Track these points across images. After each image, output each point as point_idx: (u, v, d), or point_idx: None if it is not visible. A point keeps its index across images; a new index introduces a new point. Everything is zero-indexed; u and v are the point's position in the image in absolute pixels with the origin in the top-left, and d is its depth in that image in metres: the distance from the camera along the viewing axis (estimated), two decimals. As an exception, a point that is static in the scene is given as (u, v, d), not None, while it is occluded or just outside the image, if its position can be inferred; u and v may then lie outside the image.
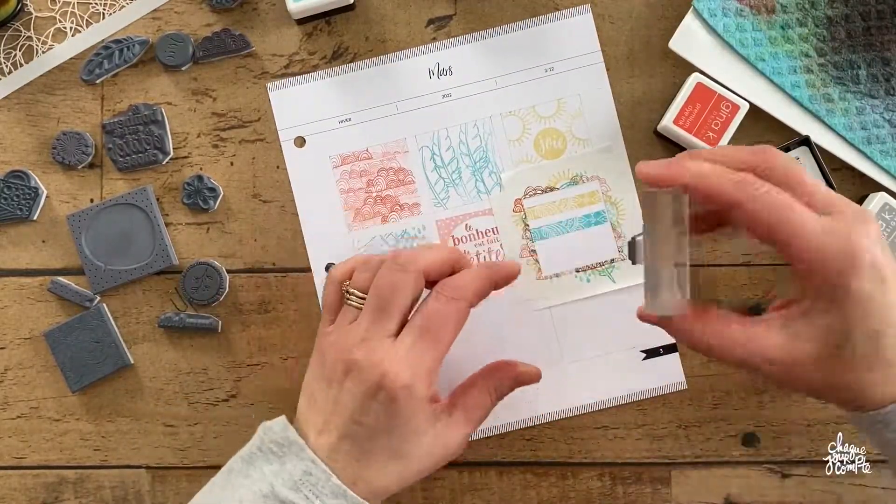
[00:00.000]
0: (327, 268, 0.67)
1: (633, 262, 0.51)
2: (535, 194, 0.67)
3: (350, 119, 0.68)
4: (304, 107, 0.68)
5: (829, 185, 0.63)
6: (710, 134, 0.63)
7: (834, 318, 0.47)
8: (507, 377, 0.61)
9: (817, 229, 0.46)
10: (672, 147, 0.66)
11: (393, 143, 0.68)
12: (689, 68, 0.65)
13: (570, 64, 0.67)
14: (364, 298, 0.57)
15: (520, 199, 0.67)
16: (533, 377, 0.62)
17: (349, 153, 0.68)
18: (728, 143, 0.63)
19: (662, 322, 0.52)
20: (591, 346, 0.67)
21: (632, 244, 0.51)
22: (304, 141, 0.68)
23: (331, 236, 0.67)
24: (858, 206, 0.52)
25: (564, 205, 0.67)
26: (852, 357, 0.47)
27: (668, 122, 0.63)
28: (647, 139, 0.67)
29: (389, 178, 0.68)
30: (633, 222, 0.67)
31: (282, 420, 0.56)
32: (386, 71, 0.68)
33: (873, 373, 0.47)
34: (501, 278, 0.59)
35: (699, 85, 0.63)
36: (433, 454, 0.56)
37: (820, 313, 0.48)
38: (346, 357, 0.55)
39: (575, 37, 0.67)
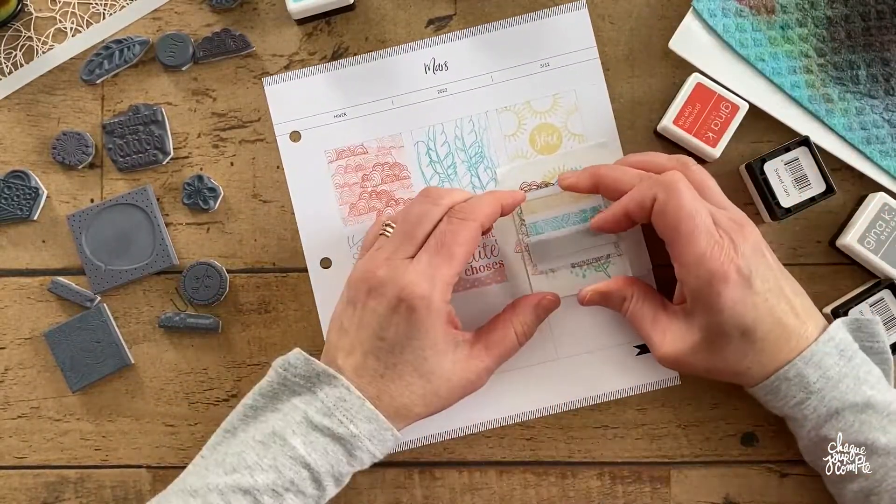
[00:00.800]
0: (322, 263, 0.68)
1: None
2: (530, 189, 0.67)
3: (345, 114, 0.68)
4: (300, 102, 0.68)
5: (829, 185, 0.63)
6: (710, 134, 0.63)
7: (710, 319, 0.57)
8: (527, 308, 0.63)
9: (701, 244, 0.56)
10: (672, 147, 0.66)
11: (388, 138, 0.68)
12: (689, 68, 0.65)
13: (566, 59, 0.68)
14: None
15: None
16: (551, 303, 0.64)
17: (344, 148, 0.68)
18: (727, 145, 0.63)
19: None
20: (586, 341, 0.67)
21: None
22: (300, 135, 0.68)
23: (326, 231, 0.67)
24: (733, 216, 0.58)
25: (560, 200, 0.67)
26: (727, 349, 0.57)
27: (667, 123, 0.63)
28: (647, 139, 0.67)
29: (385, 173, 0.68)
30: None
31: (300, 354, 0.59)
32: (381, 66, 0.68)
33: (746, 360, 0.58)
34: (509, 204, 0.62)
35: (699, 85, 0.63)
36: (453, 379, 0.59)
37: (698, 315, 0.58)
38: (369, 277, 0.58)
39: (570, 32, 0.67)
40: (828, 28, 0.65)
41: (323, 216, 0.68)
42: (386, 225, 0.61)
